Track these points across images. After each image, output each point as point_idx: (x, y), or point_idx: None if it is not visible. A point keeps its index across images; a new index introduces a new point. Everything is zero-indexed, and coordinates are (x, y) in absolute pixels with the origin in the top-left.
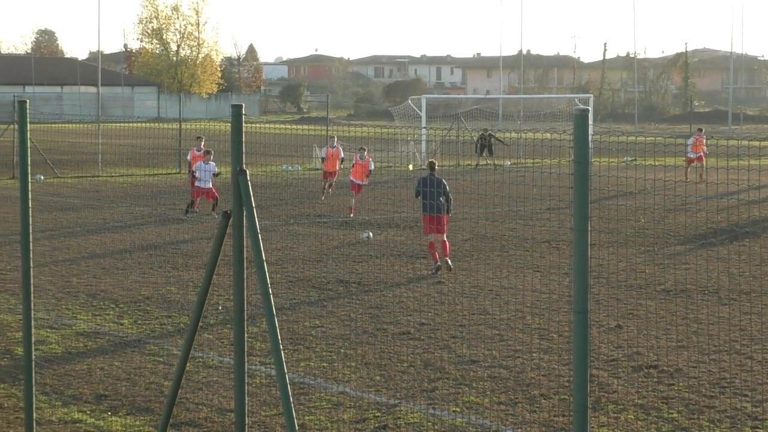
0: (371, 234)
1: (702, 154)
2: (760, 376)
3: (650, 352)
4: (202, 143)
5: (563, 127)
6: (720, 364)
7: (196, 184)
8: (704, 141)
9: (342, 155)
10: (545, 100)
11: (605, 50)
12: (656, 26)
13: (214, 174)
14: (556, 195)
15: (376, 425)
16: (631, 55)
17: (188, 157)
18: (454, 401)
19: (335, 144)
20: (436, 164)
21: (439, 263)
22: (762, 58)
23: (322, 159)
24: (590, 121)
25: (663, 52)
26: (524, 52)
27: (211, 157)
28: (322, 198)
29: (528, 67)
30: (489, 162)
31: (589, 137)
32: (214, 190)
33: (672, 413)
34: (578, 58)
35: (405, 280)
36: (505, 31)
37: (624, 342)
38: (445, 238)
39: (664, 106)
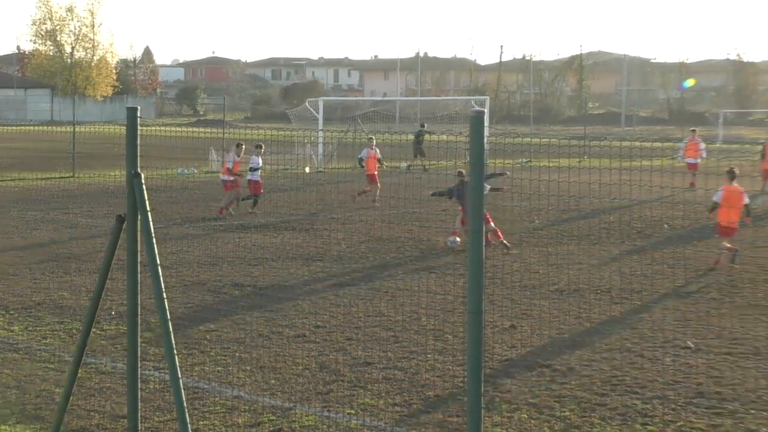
0: (458, 239)
1: (698, 160)
2: (650, 374)
3: (543, 351)
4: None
5: (460, 128)
6: (611, 363)
7: (249, 177)
8: (701, 144)
9: (380, 155)
10: (442, 102)
11: (501, 52)
12: (552, 29)
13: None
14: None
15: (271, 429)
16: (527, 58)
17: (229, 164)
18: (349, 403)
19: (374, 146)
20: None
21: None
22: (654, 61)
23: (360, 160)
24: (486, 123)
25: (558, 54)
26: (421, 54)
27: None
28: (376, 204)
29: (425, 69)
30: (418, 163)
31: (485, 139)
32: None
33: (564, 411)
34: (475, 60)
35: (300, 282)
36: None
37: (518, 342)
38: (494, 226)
39: (559, 108)
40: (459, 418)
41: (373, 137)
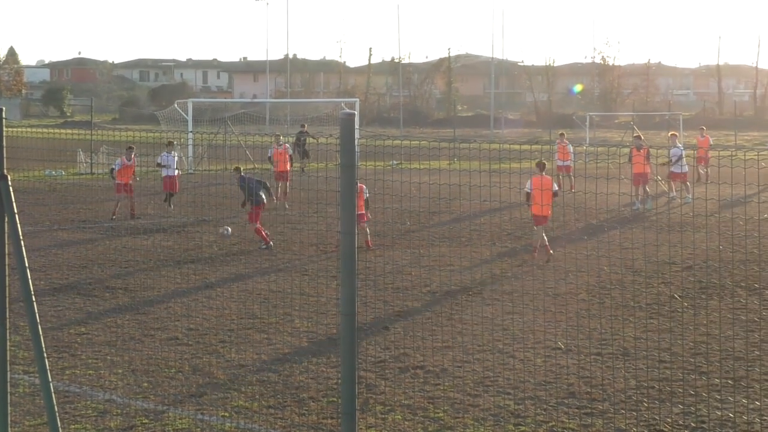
0: (229, 229)
1: (568, 162)
2: (522, 375)
3: (417, 352)
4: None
5: (330, 131)
6: (484, 364)
7: (164, 174)
8: (569, 147)
9: (290, 152)
10: (312, 104)
11: (370, 55)
12: (420, 32)
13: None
14: (323, 198)
15: None
16: (396, 60)
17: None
18: (223, 406)
19: (281, 142)
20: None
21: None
22: (522, 64)
23: (270, 159)
24: (356, 125)
25: (427, 57)
26: (290, 56)
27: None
28: (283, 203)
29: (294, 71)
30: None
31: (356, 140)
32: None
33: (438, 413)
34: (344, 62)
35: (172, 285)
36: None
37: (391, 344)
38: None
39: (429, 110)
40: (333, 420)
41: (281, 134)
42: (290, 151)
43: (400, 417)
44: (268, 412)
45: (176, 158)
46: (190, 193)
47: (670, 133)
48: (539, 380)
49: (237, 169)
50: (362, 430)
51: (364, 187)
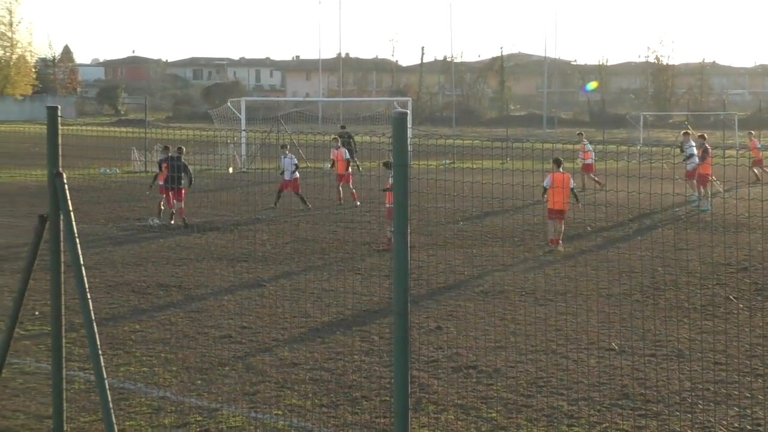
0: (157, 220)
1: (590, 161)
2: (575, 375)
3: (469, 352)
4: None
5: (382, 129)
6: (537, 364)
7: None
8: (587, 146)
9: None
10: (364, 103)
11: (423, 54)
12: (473, 30)
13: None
14: (376, 197)
15: (198, 430)
16: (449, 59)
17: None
18: (276, 404)
19: (339, 144)
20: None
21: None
22: (575, 63)
23: (332, 161)
24: (409, 124)
25: (479, 56)
26: (343, 55)
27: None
28: (354, 202)
29: (347, 70)
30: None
31: (408, 140)
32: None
33: (491, 413)
34: (396, 61)
35: (226, 283)
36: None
37: (444, 343)
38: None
39: (481, 109)
40: (386, 419)
41: (338, 137)
42: (346, 155)
43: (452, 417)
44: (321, 411)
45: (293, 160)
46: (243, 191)
47: (683, 132)
48: (593, 381)
49: (166, 149)
50: (415, 429)
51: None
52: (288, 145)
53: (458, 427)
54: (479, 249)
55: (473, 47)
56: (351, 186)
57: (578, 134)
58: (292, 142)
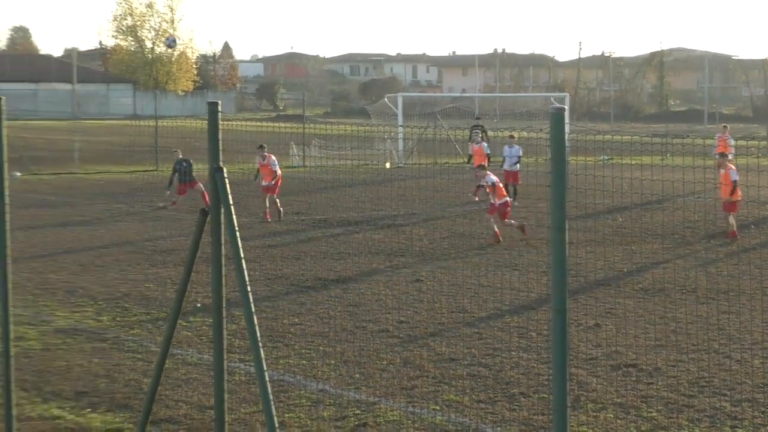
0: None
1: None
2: (738, 376)
3: (629, 350)
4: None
5: (539, 125)
6: (699, 364)
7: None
8: (730, 140)
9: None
10: (521, 98)
11: (580, 49)
12: (631, 25)
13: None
14: (533, 193)
15: (356, 423)
16: (606, 54)
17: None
18: (434, 399)
19: (479, 140)
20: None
21: None
22: (736, 58)
23: (469, 156)
24: (566, 120)
25: (638, 51)
26: (499, 50)
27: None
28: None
29: (503, 65)
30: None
31: (566, 136)
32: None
33: (651, 412)
34: (553, 56)
35: (383, 278)
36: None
37: (603, 341)
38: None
39: (640, 105)
40: (544, 416)
41: (479, 131)
42: (487, 150)
43: (612, 415)
44: (479, 407)
45: (519, 150)
46: (400, 186)
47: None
48: (757, 382)
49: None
50: (574, 427)
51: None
52: (265, 146)
53: (618, 425)
54: (638, 246)
55: (631, 42)
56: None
57: (723, 126)
58: (449, 137)
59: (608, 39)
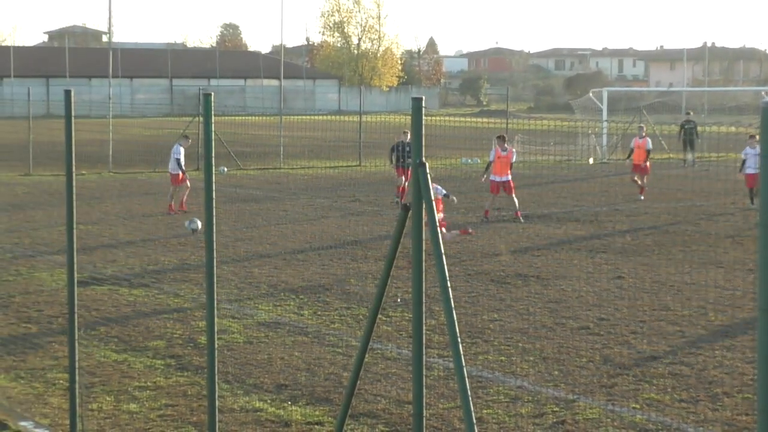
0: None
1: None
2: None
3: None
4: None
5: (749, 120)
6: None
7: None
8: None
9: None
10: (730, 93)
11: None
12: None
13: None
14: (741, 189)
15: (554, 420)
16: None
17: None
18: (634, 398)
19: (643, 134)
20: None
21: None
22: None
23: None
24: None
25: None
26: (709, 44)
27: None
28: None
29: (712, 59)
30: (687, 157)
31: None
32: None
33: None
34: (765, 50)
35: (584, 274)
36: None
37: None
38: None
39: None
40: (748, 417)
41: (644, 126)
42: (649, 145)
43: None
44: (680, 406)
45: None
46: (603, 182)
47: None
48: None
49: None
50: None
51: (438, 186)
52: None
53: None
54: None
55: None
56: (645, 180)
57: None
58: (653, 132)
59: None
